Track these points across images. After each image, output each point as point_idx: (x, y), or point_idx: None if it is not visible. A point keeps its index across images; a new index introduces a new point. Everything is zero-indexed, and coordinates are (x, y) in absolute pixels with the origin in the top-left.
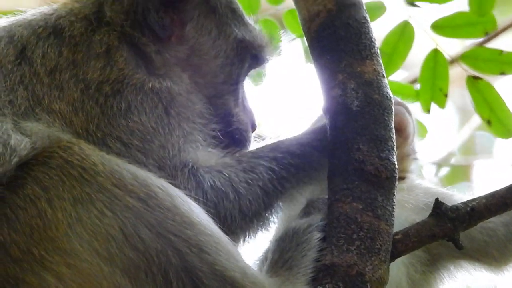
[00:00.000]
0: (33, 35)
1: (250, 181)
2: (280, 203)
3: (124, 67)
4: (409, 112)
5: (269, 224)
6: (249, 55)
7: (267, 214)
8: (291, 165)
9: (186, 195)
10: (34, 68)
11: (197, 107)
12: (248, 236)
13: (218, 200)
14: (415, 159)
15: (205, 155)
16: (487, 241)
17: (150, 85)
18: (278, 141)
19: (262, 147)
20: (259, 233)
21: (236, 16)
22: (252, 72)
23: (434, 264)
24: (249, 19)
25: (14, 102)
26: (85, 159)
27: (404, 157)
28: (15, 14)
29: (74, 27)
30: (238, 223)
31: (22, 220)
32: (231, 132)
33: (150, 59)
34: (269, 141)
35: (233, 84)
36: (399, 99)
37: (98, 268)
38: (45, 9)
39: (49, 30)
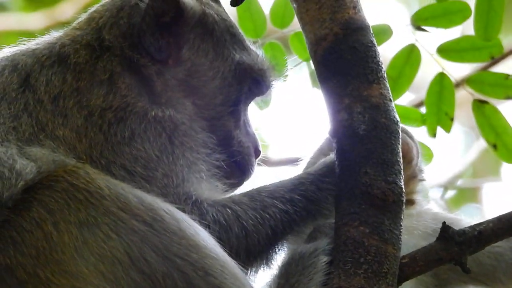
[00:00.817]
0: (37, 63)
1: (261, 220)
2: (284, 242)
3: (127, 93)
4: (410, 136)
5: (272, 262)
6: (249, 78)
7: (271, 253)
8: (305, 210)
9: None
10: (38, 95)
11: (200, 136)
12: (250, 272)
13: (221, 235)
14: (422, 180)
15: (211, 189)
16: (494, 265)
17: (153, 114)
18: (298, 182)
19: (281, 184)
20: (261, 271)
21: (235, 40)
22: (257, 99)
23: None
24: (251, 45)
25: (18, 128)
26: (91, 183)
27: (410, 179)
28: (23, 35)
29: (80, 54)
30: (242, 259)
31: (28, 242)
32: (232, 154)
33: (151, 85)
34: (286, 177)
35: (232, 106)
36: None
37: None
38: (48, 38)
39: (53, 59)
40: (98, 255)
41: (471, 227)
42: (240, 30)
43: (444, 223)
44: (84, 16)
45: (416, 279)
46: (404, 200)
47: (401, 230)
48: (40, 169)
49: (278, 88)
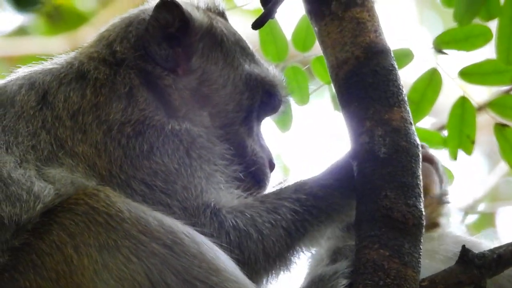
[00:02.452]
0: (55, 81)
1: (273, 221)
2: (302, 245)
3: (145, 107)
4: (435, 163)
5: (291, 265)
6: (261, 90)
7: (289, 255)
8: (314, 207)
9: (211, 241)
10: (56, 112)
11: (217, 148)
12: (271, 276)
13: (241, 241)
14: (446, 202)
15: (227, 196)
16: None
17: (170, 127)
18: (301, 182)
19: (285, 187)
20: (281, 274)
21: (245, 53)
22: (273, 116)
23: None
24: (262, 59)
25: (37, 147)
26: (111, 206)
27: (433, 203)
28: (44, 59)
29: (99, 70)
30: (261, 263)
31: (48, 266)
32: (247, 165)
33: (168, 97)
34: (291, 181)
35: (244, 114)
36: (426, 149)
37: None
38: (63, 57)
39: (72, 76)
40: (118, 279)
41: (490, 250)
42: (250, 45)
43: (463, 246)
44: (95, 36)
45: None
46: (424, 223)
47: (421, 253)
48: (59, 191)
49: (289, 103)
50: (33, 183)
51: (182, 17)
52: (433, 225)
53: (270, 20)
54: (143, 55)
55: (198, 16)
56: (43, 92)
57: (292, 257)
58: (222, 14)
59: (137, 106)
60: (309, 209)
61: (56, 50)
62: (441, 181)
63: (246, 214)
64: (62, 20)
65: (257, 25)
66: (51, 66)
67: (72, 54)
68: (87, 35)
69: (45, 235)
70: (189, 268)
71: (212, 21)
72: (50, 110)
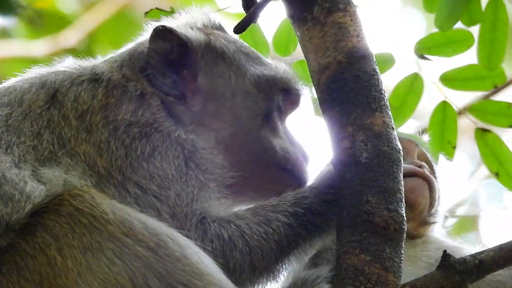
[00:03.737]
0: (67, 80)
1: (264, 234)
2: (292, 259)
3: (156, 112)
4: (431, 184)
5: (278, 277)
6: (276, 89)
7: (278, 268)
8: (310, 223)
9: (196, 244)
10: (63, 111)
11: (219, 158)
12: (256, 286)
13: (224, 250)
14: (432, 223)
15: (217, 205)
16: None
17: (176, 135)
18: (301, 196)
19: (284, 198)
20: (267, 285)
21: (250, 58)
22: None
23: None
24: (271, 60)
25: (38, 147)
26: (96, 207)
27: (419, 225)
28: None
29: (114, 73)
30: (247, 275)
31: (32, 268)
32: (280, 164)
33: (178, 113)
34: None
35: (261, 117)
36: (424, 169)
37: None
38: (79, 61)
39: (85, 77)
40: (101, 281)
41: (472, 255)
42: (253, 49)
43: (445, 251)
44: (104, 57)
45: None
46: (405, 228)
47: (402, 258)
48: (49, 192)
49: (306, 95)
50: (26, 183)
51: (179, 41)
52: (415, 236)
53: (251, 24)
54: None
55: (194, 35)
56: (54, 91)
57: (280, 269)
58: (219, 28)
59: (149, 109)
60: (305, 224)
61: (40, 53)
62: (433, 201)
63: (234, 225)
64: (45, 24)
65: (239, 29)
66: (64, 68)
67: (84, 61)
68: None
69: (29, 237)
70: (173, 272)
71: (210, 36)
72: (58, 109)
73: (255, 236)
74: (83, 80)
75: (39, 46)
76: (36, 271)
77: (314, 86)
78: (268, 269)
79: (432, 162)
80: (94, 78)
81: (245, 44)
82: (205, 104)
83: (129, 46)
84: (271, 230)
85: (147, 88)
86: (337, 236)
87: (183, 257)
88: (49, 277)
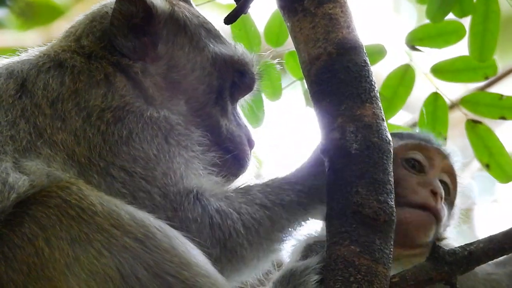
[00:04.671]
0: (34, 69)
1: (257, 212)
2: (284, 238)
3: (126, 93)
4: (440, 219)
5: (279, 247)
6: (231, 69)
7: (275, 245)
8: (300, 204)
9: (183, 235)
10: (35, 100)
11: (195, 135)
12: (249, 267)
13: (223, 225)
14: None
15: (209, 183)
16: None
17: (149, 114)
18: (291, 177)
19: (274, 179)
20: (261, 268)
21: (211, 34)
22: (248, 97)
23: None
24: (232, 41)
25: (16, 137)
26: (83, 199)
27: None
28: (19, 51)
29: (75, 58)
30: (246, 252)
31: (20, 258)
32: (226, 147)
33: (142, 86)
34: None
35: (215, 94)
36: (454, 174)
37: None
38: (40, 48)
39: (50, 64)
40: (89, 272)
41: (461, 247)
42: (216, 27)
43: (434, 243)
44: (63, 33)
45: None
46: (395, 220)
47: (392, 250)
48: (33, 183)
49: (260, 82)
50: (9, 174)
51: (144, 6)
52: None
53: (242, 15)
54: (108, 47)
55: (159, 3)
56: (22, 80)
57: (277, 247)
58: (185, 0)
59: (117, 92)
60: (298, 202)
61: (31, 44)
62: (436, 234)
63: (229, 200)
64: (36, 15)
65: (229, 20)
66: (28, 56)
67: (44, 47)
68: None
69: (17, 227)
70: (161, 263)
71: (174, 6)
72: (29, 98)
73: (248, 214)
74: (49, 67)
75: (31, 37)
76: (24, 262)
77: (305, 77)
78: (263, 246)
79: (457, 177)
80: (59, 64)
81: (208, 20)
82: (166, 72)
83: (93, 8)
84: (264, 206)
85: (108, 68)
86: (327, 227)
87: (171, 248)
88: (36, 267)
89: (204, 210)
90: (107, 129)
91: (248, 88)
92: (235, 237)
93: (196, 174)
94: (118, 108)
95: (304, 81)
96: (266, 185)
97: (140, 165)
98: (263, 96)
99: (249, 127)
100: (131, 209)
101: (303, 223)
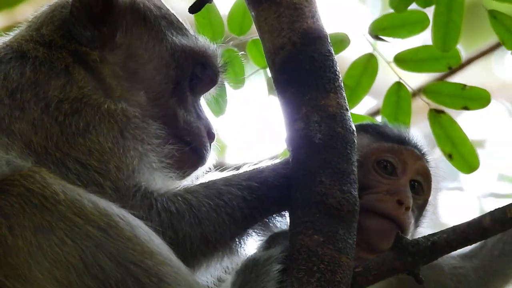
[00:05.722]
0: None
1: (215, 207)
2: (249, 233)
3: (84, 85)
4: (405, 230)
5: (235, 252)
6: (192, 61)
7: (234, 242)
8: (266, 197)
9: (146, 224)
10: None
11: (152, 128)
12: (211, 262)
13: (173, 222)
14: None
15: (162, 178)
16: (458, 287)
17: (106, 106)
18: (255, 169)
19: (239, 173)
20: (225, 260)
21: (173, 26)
22: (212, 91)
23: None
24: (194, 33)
25: None
26: (46, 188)
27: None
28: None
29: (38, 49)
30: (198, 247)
31: None
32: (181, 135)
33: (100, 76)
34: (245, 168)
35: (172, 85)
36: (428, 176)
37: None
38: (5, 38)
39: (11, 55)
40: (52, 260)
41: (424, 237)
42: (179, 18)
43: (398, 233)
44: (24, 24)
45: None
46: (358, 210)
47: (355, 240)
48: None
49: (224, 75)
50: None
51: None
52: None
53: (207, 4)
54: (67, 36)
55: None
56: None
57: (237, 244)
58: None
59: (76, 84)
60: (261, 198)
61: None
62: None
63: (182, 197)
64: None
65: (194, 9)
66: None
67: (7, 38)
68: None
69: None
70: (123, 251)
71: None
72: None
73: (204, 209)
74: (10, 58)
75: None
76: None
77: (269, 67)
78: (223, 243)
79: (431, 177)
80: (21, 55)
81: (172, 12)
82: (124, 62)
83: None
84: (222, 202)
85: (68, 58)
86: (290, 216)
87: (134, 237)
88: None
89: (151, 207)
90: (64, 120)
91: (211, 81)
92: (188, 244)
93: (150, 168)
94: (76, 100)
95: (267, 69)
96: (247, 178)
97: (94, 158)
98: (226, 84)
99: (212, 118)
100: (94, 198)
101: (278, 214)
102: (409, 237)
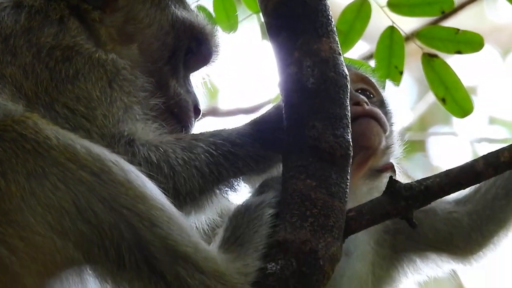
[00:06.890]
0: None
1: (187, 159)
2: (218, 189)
3: (77, 35)
4: (379, 119)
5: (203, 207)
6: (190, 35)
7: (201, 196)
8: (230, 153)
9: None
10: None
11: (140, 81)
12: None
13: (151, 173)
14: (392, 145)
15: (144, 128)
16: (452, 232)
17: (97, 56)
18: (220, 129)
19: (203, 132)
20: (193, 214)
21: None
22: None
23: (399, 258)
24: (194, 8)
25: None
26: (39, 133)
27: (380, 156)
28: None
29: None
30: (170, 199)
31: None
32: (169, 102)
33: (96, 31)
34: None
35: (169, 53)
36: (368, 106)
37: (51, 241)
38: None
39: (8, 4)
40: (45, 205)
41: (418, 181)
42: None
43: (391, 177)
44: None
45: (374, 251)
46: (351, 154)
47: (348, 184)
48: None
49: (219, 56)
50: None
51: None
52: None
53: None
54: None
55: None
56: None
57: (205, 199)
58: None
59: (69, 33)
60: (225, 154)
61: None
62: (384, 129)
63: (160, 148)
64: None
65: None
66: None
67: None
68: None
69: None
70: (116, 196)
71: None
72: None
73: (179, 161)
74: (5, 6)
75: None
76: None
77: (262, 11)
78: (192, 196)
79: (373, 82)
80: (18, 4)
81: None
82: (123, 24)
83: None
84: (193, 156)
85: (65, 10)
86: (283, 161)
87: (127, 181)
88: None
89: (134, 156)
90: (55, 66)
91: (204, 59)
92: (166, 185)
93: (133, 119)
94: (67, 48)
95: (260, 14)
96: (211, 135)
97: (82, 104)
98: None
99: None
100: (87, 143)
101: (249, 178)
102: (391, 138)
